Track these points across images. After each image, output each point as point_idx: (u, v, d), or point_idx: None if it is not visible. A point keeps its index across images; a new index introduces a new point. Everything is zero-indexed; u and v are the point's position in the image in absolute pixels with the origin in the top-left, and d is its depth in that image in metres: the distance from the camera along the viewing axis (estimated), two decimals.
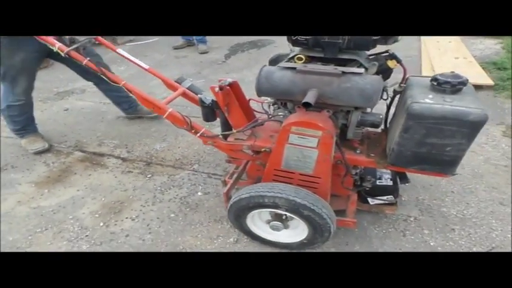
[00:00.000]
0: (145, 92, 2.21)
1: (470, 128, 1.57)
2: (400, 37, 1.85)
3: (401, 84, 1.88)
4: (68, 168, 2.92)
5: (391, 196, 2.18)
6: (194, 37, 5.68)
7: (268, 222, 2.00)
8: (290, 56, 1.90)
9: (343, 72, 1.71)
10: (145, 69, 2.58)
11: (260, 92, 1.86)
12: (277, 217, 1.95)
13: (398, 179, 2.21)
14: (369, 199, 2.22)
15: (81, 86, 4.44)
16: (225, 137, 2.10)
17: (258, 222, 2.06)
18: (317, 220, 1.81)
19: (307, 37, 1.79)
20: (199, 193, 2.57)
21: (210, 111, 2.15)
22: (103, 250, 2.15)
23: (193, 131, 2.15)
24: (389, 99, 1.94)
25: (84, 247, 2.17)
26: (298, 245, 2.02)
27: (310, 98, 1.66)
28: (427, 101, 1.61)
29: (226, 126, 2.19)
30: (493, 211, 2.32)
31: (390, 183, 2.16)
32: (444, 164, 1.74)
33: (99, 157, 3.05)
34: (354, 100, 1.72)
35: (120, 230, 2.29)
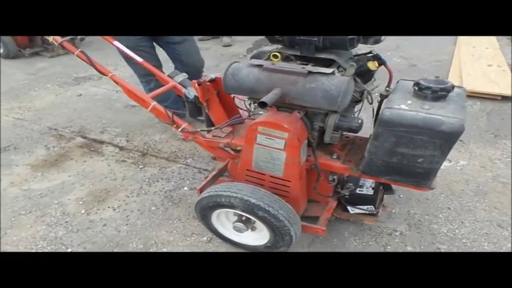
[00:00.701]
0: (131, 85, 2.21)
1: (443, 139, 1.44)
2: (383, 37, 1.73)
3: (387, 88, 1.76)
4: (66, 153, 2.96)
5: (371, 206, 2.04)
6: None
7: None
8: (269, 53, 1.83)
9: (310, 72, 1.62)
10: (139, 63, 2.56)
11: (227, 89, 1.81)
12: (241, 218, 1.88)
13: (381, 189, 2.08)
14: (349, 207, 2.10)
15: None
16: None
17: (226, 224, 1.99)
18: (273, 222, 1.73)
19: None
20: (185, 188, 2.54)
21: (193, 107, 2.14)
22: (78, 237, 2.15)
23: (175, 125, 2.13)
24: (377, 103, 1.82)
25: (61, 233, 2.19)
26: (263, 248, 1.95)
27: (268, 97, 1.58)
28: (402, 107, 1.49)
29: (209, 122, 2.15)
30: (488, 233, 2.14)
31: (371, 192, 2.03)
32: (417, 176, 1.61)
33: (98, 144, 3.08)
34: (317, 101, 1.62)
35: (99, 218, 2.29)
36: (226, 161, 2.27)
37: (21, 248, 2.08)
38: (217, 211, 1.91)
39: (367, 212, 2.07)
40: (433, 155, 1.50)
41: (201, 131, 2.08)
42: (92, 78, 4.44)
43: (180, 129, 2.11)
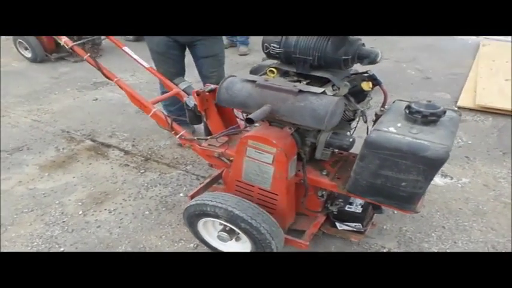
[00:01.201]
0: (135, 91, 2.30)
1: (427, 164, 1.44)
2: (378, 59, 1.72)
3: (382, 108, 1.79)
4: (74, 155, 3.08)
5: (359, 224, 2.04)
6: (237, 38, 5.72)
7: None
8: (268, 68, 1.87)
9: (300, 91, 1.65)
10: (146, 68, 2.65)
11: (219, 101, 1.88)
12: (226, 228, 1.91)
13: (371, 207, 2.06)
14: (337, 224, 2.09)
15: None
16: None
17: (212, 232, 2.03)
18: (255, 234, 1.76)
19: (279, 51, 1.75)
20: (181, 194, 2.59)
21: (193, 115, 2.20)
22: (72, 238, 2.24)
23: (173, 132, 2.20)
24: (372, 122, 1.81)
25: (57, 232, 2.28)
26: None
27: (255, 114, 1.63)
28: (390, 130, 1.51)
29: (207, 131, 2.21)
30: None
31: (359, 210, 2.03)
32: (400, 199, 1.62)
33: (105, 148, 3.18)
34: (305, 120, 1.66)
35: (94, 220, 2.38)
36: (222, 169, 2.31)
37: (18, 245, 2.19)
38: (204, 219, 1.96)
39: (354, 230, 2.06)
40: (416, 180, 1.50)
41: (197, 139, 2.14)
42: (110, 84, 4.56)
43: (178, 136, 2.18)
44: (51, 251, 2.15)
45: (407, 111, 1.57)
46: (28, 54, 5.32)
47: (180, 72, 2.96)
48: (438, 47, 5.77)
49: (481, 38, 6.20)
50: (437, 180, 2.67)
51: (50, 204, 2.52)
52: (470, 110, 3.74)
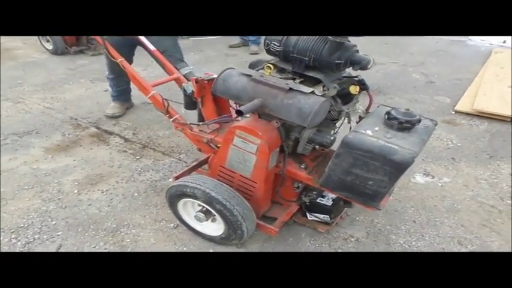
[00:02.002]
0: (136, 73, 2.47)
1: (393, 167, 1.56)
2: (370, 65, 1.79)
3: (365, 111, 1.90)
4: (78, 140, 3.28)
5: (328, 216, 2.15)
6: (249, 37, 5.86)
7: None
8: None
9: (290, 89, 1.76)
10: (152, 50, 2.82)
11: (215, 91, 1.99)
12: (203, 209, 2.05)
13: (342, 202, 2.16)
14: (308, 214, 2.21)
15: None
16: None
17: (191, 213, 2.16)
18: (228, 216, 1.89)
19: (279, 49, 1.84)
20: (170, 179, 2.74)
21: (189, 100, 2.33)
22: (64, 213, 2.42)
23: (168, 115, 2.34)
24: (355, 123, 1.91)
25: (51, 208, 2.47)
26: (219, 239, 2.10)
27: (245, 107, 1.74)
28: (367, 133, 1.64)
29: (201, 117, 2.34)
30: (445, 248, 2.16)
31: (330, 203, 2.15)
32: (365, 196, 1.75)
33: (107, 135, 3.37)
34: (291, 116, 1.77)
35: (87, 199, 2.55)
36: (209, 154, 2.46)
37: (15, 217, 2.38)
38: (184, 200, 2.10)
39: (322, 221, 2.18)
40: (382, 180, 1.62)
41: (190, 124, 2.28)
42: None
43: (171, 119, 2.33)
44: (44, 224, 2.33)
45: (386, 117, 1.69)
46: (49, 47, 5.61)
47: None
48: (449, 53, 5.78)
49: (495, 45, 6.16)
50: (419, 178, 2.75)
51: (49, 183, 2.71)
52: (467, 114, 3.77)
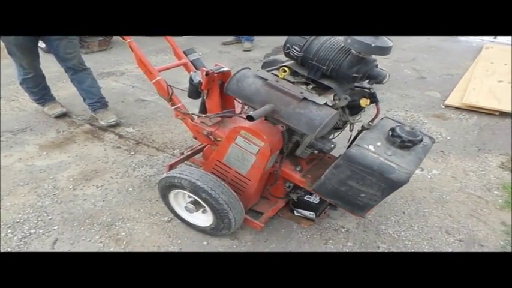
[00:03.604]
0: (144, 56, 2.43)
1: (388, 185, 1.63)
2: (385, 80, 1.81)
3: (370, 123, 1.91)
4: (72, 137, 3.31)
5: (313, 213, 2.22)
6: None
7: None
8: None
9: (304, 98, 1.77)
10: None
11: (227, 90, 1.98)
12: (193, 200, 2.09)
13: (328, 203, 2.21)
14: (294, 210, 2.27)
15: (123, 69, 4.90)
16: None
17: (182, 204, 2.20)
18: (214, 204, 1.93)
19: (299, 54, 1.83)
20: (164, 174, 2.77)
21: (194, 90, 2.31)
22: (59, 208, 2.45)
23: (171, 102, 2.35)
24: (357, 132, 1.96)
25: (47, 203, 2.50)
26: (209, 230, 2.15)
27: (256, 113, 1.74)
28: (370, 148, 1.67)
29: (203, 109, 2.33)
30: (433, 238, 2.22)
31: (316, 201, 2.20)
32: (355, 206, 1.82)
33: (101, 131, 3.40)
34: (300, 125, 1.78)
35: (82, 194, 2.59)
36: (203, 144, 2.49)
37: (11, 212, 2.41)
38: (174, 191, 2.15)
39: (307, 217, 2.25)
40: (374, 194, 1.69)
41: (192, 114, 2.29)
42: (115, 74, 4.82)
43: (174, 107, 2.33)
44: (39, 219, 2.36)
45: (390, 133, 1.73)
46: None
47: (37, 57, 3.36)
48: (441, 49, 5.84)
49: (486, 41, 6.23)
50: None
51: (44, 179, 2.74)
52: (457, 108, 3.83)
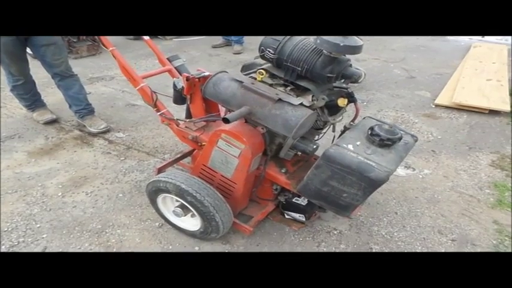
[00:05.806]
0: (127, 63, 2.45)
1: (368, 183, 1.61)
2: (361, 79, 1.83)
3: (351, 123, 1.93)
4: (61, 143, 3.27)
5: (303, 215, 2.21)
6: (232, 37, 5.88)
7: None
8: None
9: (280, 99, 1.77)
10: (146, 40, 2.78)
11: (204, 94, 1.99)
12: (180, 204, 2.07)
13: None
14: (285, 213, 2.26)
15: (113, 74, 4.86)
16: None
17: (171, 209, 2.18)
18: (200, 207, 1.92)
19: (273, 56, 1.84)
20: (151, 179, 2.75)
21: (178, 95, 2.33)
22: (48, 216, 2.42)
23: (155, 108, 2.35)
24: (340, 132, 1.96)
25: (36, 211, 2.46)
26: (199, 234, 2.13)
27: (232, 115, 1.74)
28: (348, 147, 1.67)
29: (188, 114, 2.34)
30: (426, 238, 2.21)
31: (304, 203, 2.20)
32: (338, 206, 1.80)
33: (91, 137, 3.37)
34: (277, 127, 1.78)
35: (71, 201, 2.55)
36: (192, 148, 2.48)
37: None
38: (161, 196, 2.14)
39: (297, 219, 2.24)
40: (356, 194, 1.68)
41: (177, 119, 2.29)
42: (105, 79, 4.79)
43: (159, 113, 2.34)
44: (28, 227, 2.33)
45: (369, 132, 1.73)
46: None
47: (27, 64, 3.32)
48: (430, 48, 5.87)
49: (475, 40, 6.28)
50: (400, 171, 2.80)
51: (33, 187, 2.70)
52: (447, 107, 3.85)
